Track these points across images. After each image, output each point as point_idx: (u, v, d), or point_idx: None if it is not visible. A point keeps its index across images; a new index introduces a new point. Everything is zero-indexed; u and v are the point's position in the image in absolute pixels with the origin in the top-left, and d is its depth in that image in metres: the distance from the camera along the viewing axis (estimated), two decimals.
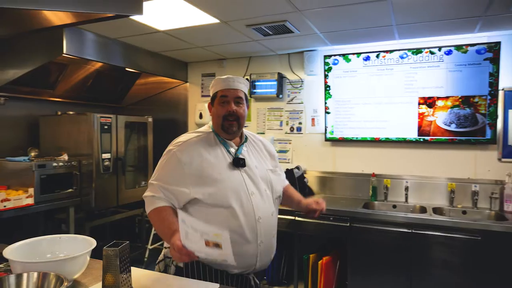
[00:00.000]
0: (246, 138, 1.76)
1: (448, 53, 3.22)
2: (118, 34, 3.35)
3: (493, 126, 3.11)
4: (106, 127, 3.55)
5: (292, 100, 3.98)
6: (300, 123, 3.95)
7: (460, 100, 3.20)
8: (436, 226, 2.78)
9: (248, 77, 4.08)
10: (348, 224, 3.04)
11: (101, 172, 3.51)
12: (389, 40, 3.38)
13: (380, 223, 2.94)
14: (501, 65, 3.08)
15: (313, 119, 3.88)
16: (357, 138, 3.62)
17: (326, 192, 3.79)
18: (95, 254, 1.52)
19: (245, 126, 4.11)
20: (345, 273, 3.10)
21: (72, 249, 1.53)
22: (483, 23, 2.87)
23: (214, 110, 1.69)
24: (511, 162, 3.13)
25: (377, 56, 3.47)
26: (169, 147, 1.65)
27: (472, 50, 3.14)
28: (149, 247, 4.22)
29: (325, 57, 3.67)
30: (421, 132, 3.36)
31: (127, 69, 3.86)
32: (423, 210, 3.18)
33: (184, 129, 4.43)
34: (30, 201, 2.98)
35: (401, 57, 3.39)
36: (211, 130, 1.72)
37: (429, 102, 3.32)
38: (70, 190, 3.38)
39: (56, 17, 1.74)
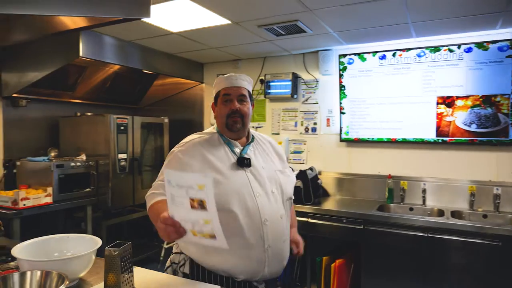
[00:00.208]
0: (253, 138, 1.71)
1: (468, 50, 3.10)
2: (133, 37, 3.41)
3: None
4: (122, 128, 3.63)
5: (307, 100, 3.94)
6: (315, 123, 3.90)
7: (481, 99, 3.07)
8: (453, 230, 2.68)
9: (262, 78, 4.07)
10: (361, 227, 2.98)
11: (118, 172, 3.59)
12: (405, 38, 3.29)
13: (394, 226, 2.86)
14: None
15: (328, 120, 3.82)
16: (372, 138, 3.54)
17: (341, 193, 3.73)
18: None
19: (260, 127, 4.12)
20: (359, 276, 3.03)
21: (79, 248, 1.56)
22: (505, 18, 2.74)
23: (218, 109, 1.65)
24: None
25: (394, 55, 3.38)
26: (173, 148, 1.65)
27: (493, 47, 3.01)
28: (165, 246, 4.27)
29: (340, 56, 3.61)
30: (439, 132, 3.25)
31: (144, 71, 3.93)
32: (440, 213, 3.08)
33: (199, 129, 4.43)
34: (49, 200, 3.08)
35: (419, 56, 3.29)
36: (215, 131, 1.68)
37: (448, 101, 3.20)
38: (87, 189, 3.47)
39: (71, 21, 1.78)
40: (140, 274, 1.57)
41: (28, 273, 1.28)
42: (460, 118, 3.16)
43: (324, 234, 3.17)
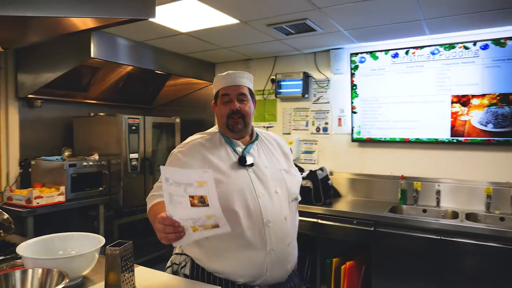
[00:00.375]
0: (257, 136, 1.65)
1: (485, 47, 3.00)
2: (143, 37, 3.44)
3: None
4: (134, 127, 3.67)
5: (318, 99, 3.89)
6: (326, 123, 3.85)
7: (498, 98, 2.97)
8: (467, 233, 2.59)
9: (274, 77, 4.04)
10: (372, 229, 2.92)
11: (129, 172, 3.63)
12: (419, 36, 3.20)
13: (405, 228, 2.79)
14: None
15: (339, 119, 3.77)
16: (385, 138, 3.47)
17: (353, 194, 3.67)
18: None
19: (271, 126, 4.10)
20: (370, 279, 2.97)
21: (84, 246, 1.57)
22: None
23: (218, 109, 1.60)
24: None
25: (406, 53, 3.30)
26: (174, 149, 1.63)
27: (511, 44, 2.90)
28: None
29: (352, 55, 3.55)
30: (454, 132, 3.15)
31: (156, 71, 3.97)
32: (455, 215, 2.98)
33: None
34: (62, 198, 3.14)
35: (432, 53, 3.20)
36: (217, 130, 1.65)
37: (463, 100, 3.10)
38: (100, 188, 3.53)
39: (81, 22, 1.81)
40: (143, 273, 1.58)
41: (30, 271, 1.30)
42: (476, 117, 3.06)
43: (334, 236, 3.12)
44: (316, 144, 3.91)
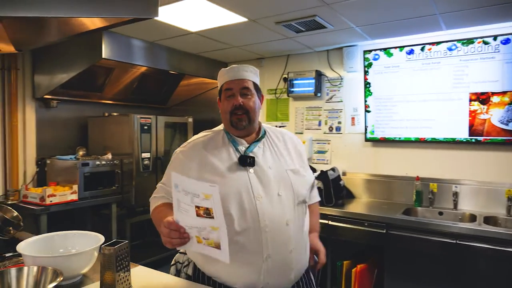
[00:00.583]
0: (264, 134, 1.57)
1: (506, 42, 2.85)
2: (154, 37, 3.46)
3: None
4: (146, 127, 3.70)
5: (331, 98, 3.81)
6: (339, 122, 3.77)
7: None
8: (485, 237, 2.47)
9: (286, 76, 3.99)
10: (384, 231, 2.82)
11: (141, 171, 3.66)
12: (435, 31, 3.08)
13: (418, 231, 2.69)
14: None
15: (353, 118, 3.68)
16: (400, 138, 3.35)
17: (367, 195, 3.57)
18: None
19: (283, 126, 4.04)
20: (382, 282, 2.88)
21: (85, 245, 1.58)
22: None
23: (221, 105, 1.53)
24: None
25: (422, 49, 3.18)
26: (178, 148, 1.61)
27: None
28: None
29: (365, 52, 3.46)
30: (472, 131, 3.01)
31: (170, 72, 3.99)
32: (472, 218, 2.85)
33: None
34: (74, 197, 3.19)
35: (449, 49, 3.07)
36: (222, 128, 1.58)
37: (482, 98, 2.96)
38: (112, 187, 3.57)
39: (90, 22, 1.83)
40: (141, 273, 1.58)
41: (25, 269, 1.32)
42: (496, 115, 2.91)
43: (345, 238, 3.04)
44: (329, 144, 3.83)
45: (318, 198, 1.75)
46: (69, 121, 3.90)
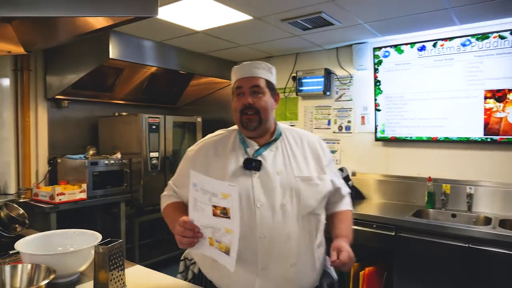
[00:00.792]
0: (280, 135, 1.48)
1: None
2: (161, 37, 3.47)
3: None
4: (154, 127, 3.71)
5: (340, 97, 3.74)
6: (349, 121, 3.69)
7: None
8: (500, 241, 2.35)
9: (294, 74, 3.94)
10: (393, 234, 2.74)
11: (149, 170, 3.67)
12: (447, 26, 2.97)
13: (427, 234, 2.59)
14: None
15: (363, 117, 3.59)
16: (411, 137, 3.25)
17: (377, 196, 3.48)
18: None
19: (292, 125, 3.98)
20: (391, 286, 2.80)
21: (84, 243, 1.58)
22: None
23: (233, 104, 1.46)
24: None
25: (434, 45, 3.08)
26: (190, 146, 1.59)
27: None
28: None
29: (375, 49, 3.37)
30: (488, 130, 2.89)
31: (180, 71, 3.99)
32: (487, 221, 2.73)
33: None
34: (83, 195, 3.23)
35: (463, 45, 2.95)
36: (236, 128, 1.51)
37: (499, 95, 2.84)
38: (121, 186, 3.61)
39: (95, 21, 1.84)
40: (137, 272, 1.58)
41: (19, 266, 1.33)
42: None
43: (353, 240, 2.96)
44: (338, 143, 3.75)
45: (347, 207, 1.59)
46: (81, 121, 3.96)
